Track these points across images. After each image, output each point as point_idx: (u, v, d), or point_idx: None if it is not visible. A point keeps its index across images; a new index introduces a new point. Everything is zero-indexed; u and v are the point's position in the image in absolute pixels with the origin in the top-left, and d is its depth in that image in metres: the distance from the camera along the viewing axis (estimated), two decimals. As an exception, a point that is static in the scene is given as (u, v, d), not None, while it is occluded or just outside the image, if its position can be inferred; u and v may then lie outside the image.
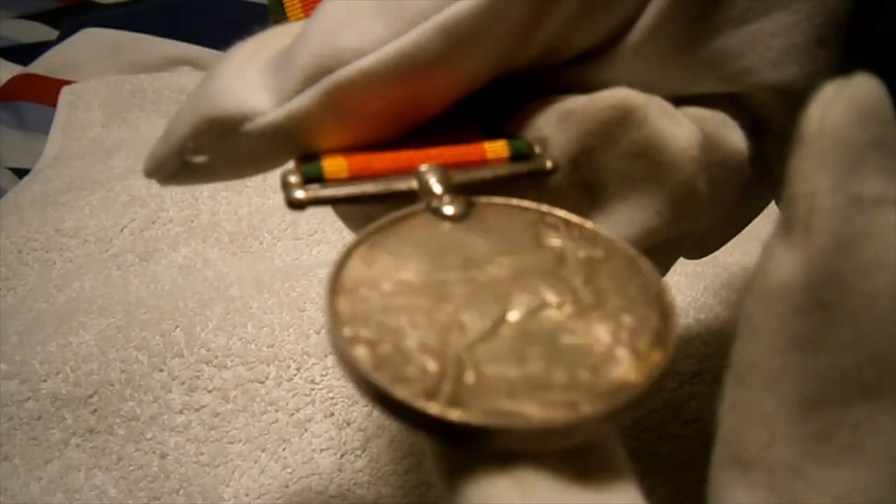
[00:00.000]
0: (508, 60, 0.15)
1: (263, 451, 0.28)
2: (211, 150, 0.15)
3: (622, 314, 0.12)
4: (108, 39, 0.56)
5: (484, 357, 0.11)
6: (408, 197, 0.14)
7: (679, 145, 0.14)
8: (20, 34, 0.62)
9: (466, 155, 0.15)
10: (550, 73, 0.16)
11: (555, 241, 0.13)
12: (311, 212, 0.41)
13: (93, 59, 0.55)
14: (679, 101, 0.16)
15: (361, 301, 0.12)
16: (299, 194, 0.14)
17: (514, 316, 0.12)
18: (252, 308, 0.31)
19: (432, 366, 0.11)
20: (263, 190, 0.40)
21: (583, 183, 0.15)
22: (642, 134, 0.14)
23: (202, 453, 0.28)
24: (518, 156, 0.15)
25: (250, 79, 0.14)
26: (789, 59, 0.15)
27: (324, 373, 0.29)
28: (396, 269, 0.12)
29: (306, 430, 0.28)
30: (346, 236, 0.40)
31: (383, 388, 0.11)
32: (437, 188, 0.14)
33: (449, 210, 0.13)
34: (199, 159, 0.15)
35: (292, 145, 0.14)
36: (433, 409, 0.10)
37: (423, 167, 0.14)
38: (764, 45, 0.15)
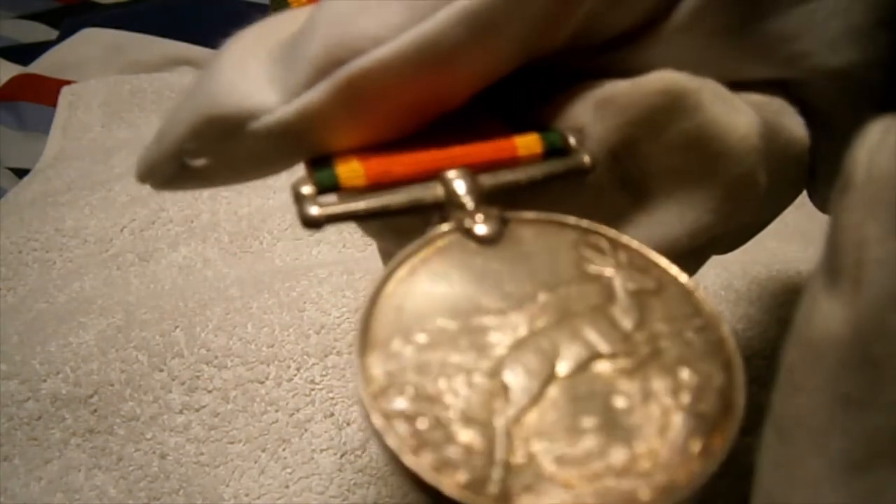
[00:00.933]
0: (538, 46, 0.13)
1: (263, 451, 0.28)
2: (211, 153, 0.13)
3: (681, 367, 0.11)
4: (108, 39, 0.56)
5: (533, 430, 0.10)
6: (436, 207, 0.13)
7: (738, 134, 0.13)
8: (20, 34, 0.62)
9: (495, 152, 0.13)
10: (583, 58, 0.14)
11: (600, 268, 0.12)
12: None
13: (93, 59, 0.55)
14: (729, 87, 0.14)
15: (394, 359, 0.11)
16: (314, 211, 0.12)
17: (562, 370, 0.11)
18: (252, 308, 0.31)
19: (478, 444, 0.10)
20: (263, 190, 0.40)
21: (624, 179, 0.14)
22: (694, 123, 0.13)
23: (202, 453, 0.28)
24: (552, 150, 0.13)
25: (254, 73, 0.13)
26: (848, 41, 0.14)
27: (324, 373, 0.29)
28: (430, 312, 0.11)
29: (306, 430, 0.28)
30: (347, 236, 0.39)
31: (429, 482, 0.10)
32: (468, 200, 0.12)
33: (482, 230, 0.12)
34: (199, 163, 0.13)
35: (302, 146, 0.13)
36: None
37: (450, 173, 0.13)
38: (821, 26, 0.14)
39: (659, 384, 0.11)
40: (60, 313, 0.32)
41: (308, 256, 0.35)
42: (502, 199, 0.13)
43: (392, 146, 0.13)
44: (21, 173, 0.47)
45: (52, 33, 0.61)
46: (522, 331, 0.11)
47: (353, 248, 0.36)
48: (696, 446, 0.10)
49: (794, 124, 0.14)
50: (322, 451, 0.28)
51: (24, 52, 0.58)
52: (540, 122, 0.14)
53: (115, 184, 0.40)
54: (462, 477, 0.10)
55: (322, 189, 0.13)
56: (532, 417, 0.10)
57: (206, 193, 0.40)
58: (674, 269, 0.12)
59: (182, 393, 0.29)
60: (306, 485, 0.27)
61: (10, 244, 0.37)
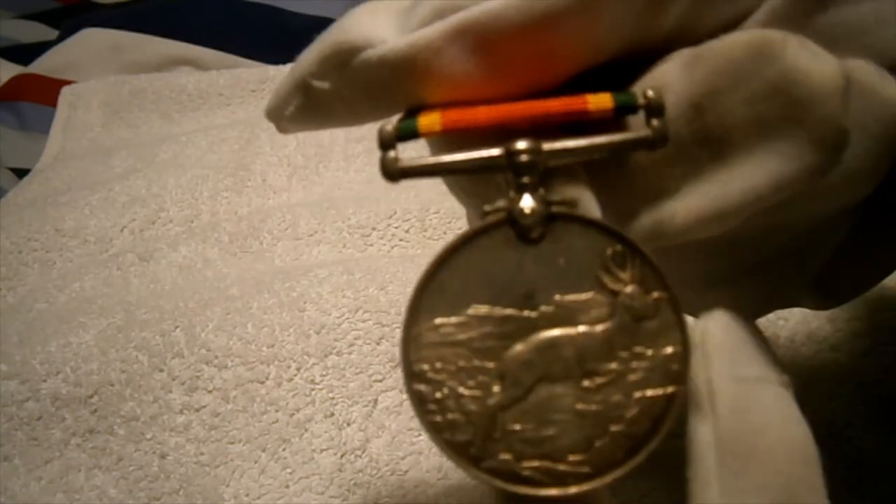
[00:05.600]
0: (640, 30, 0.14)
1: (263, 451, 0.28)
2: (333, 78, 0.15)
3: (636, 391, 0.14)
4: (108, 39, 0.56)
5: (514, 415, 0.13)
6: (500, 170, 0.14)
7: (821, 78, 0.13)
8: (20, 34, 0.63)
9: (566, 106, 0.14)
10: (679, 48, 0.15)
11: (615, 284, 0.14)
12: (311, 212, 0.40)
13: (93, 59, 0.55)
14: None
15: (434, 331, 0.14)
16: (391, 158, 0.14)
17: (553, 372, 0.14)
18: (252, 308, 0.31)
19: (473, 416, 0.14)
20: (263, 190, 0.40)
21: (704, 133, 0.14)
22: (777, 68, 0.13)
23: (202, 453, 0.28)
24: (623, 107, 0.14)
25: (381, 17, 0.14)
26: None
27: (324, 373, 0.29)
28: (467, 298, 0.14)
29: (306, 430, 0.28)
30: (346, 236, 0.39)
31: (431, 440, 0.14)
32: (525, 177, 0.14)
33: (528, 221, 0.14)
34: (322, 85, 0.15)
35: (405, 86, 0.14)
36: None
37: (519, 145, 0.14)
38: (890, 20, 0.14)
39: (615, 399, 0.14)
40: (60, 313, 0.32)
41: (308, 256, 0.35)
42: (564, 173, 0.14)
43: (474, 104, 0.14)
44: (21, 173, 0.47)
45: (52, 33, 0.61)
46: (533, 329, 0.14)
47: (353, 248, 0.36)
48: (618, 455, 0.13)
49: (888, 84, 0.14)
50: (322, 451, 0.28)
51: (24, 52, 0.58)
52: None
53: (115, 184, 0.40)
54: (456, 437, 0.13)
55: (402, 133, 0.14)
56: (518, 405, 0.13)
57: (206, 194, 0.40)
58: (671, 296, 0.14)
59: (182, 393, 0.29)
60: (306, 485, 0.27)
61: (10, 244, 0.38)
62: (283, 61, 0.51)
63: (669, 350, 0.14)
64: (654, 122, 0.14)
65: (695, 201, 0.14)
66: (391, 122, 0.14)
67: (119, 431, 0.28)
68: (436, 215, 0.36)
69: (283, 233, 0.36)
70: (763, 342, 0.14)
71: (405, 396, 0.30)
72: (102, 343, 0.30)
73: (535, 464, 0.13)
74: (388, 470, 0.27)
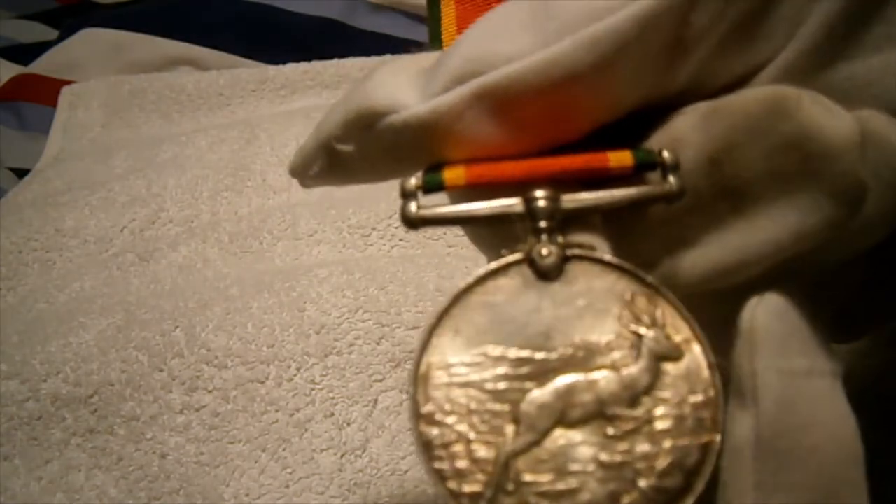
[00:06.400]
0: (656, 87, 0.14)
1: (263, 451, 0.28)
2: (357, 140, 0.15)
3: (665, 440, 0.13)
4: (108, 39, 0.56)
5: (528, 464, 0.13)
6: (518, 219, 0.14)
7: (836, 132, 0.13)
8: (20, 34, 0.62)
9: (587, 162, 0.14)
10: (694, 101, 0.15)
11: (638, 327, 0.13)
12: (311, 212, 0.40)
13: (93, 59, 0.54)
14: None
15: (447, 371, 0.13)
16: (412, 208, 0.14)
17: (570, 417, 0.13)
18: (252, 308, 0.31)
19: (484, 463, 0.13)
20: (263, 190, 0.40)
21: (722, 186, 0.14)
22: (794, 124, 0.13)
23: (202, 453, 0.28)
24: (643, 164, 0.14)
25: (403, 80, 0.15)
26: None
27: (324, 373, 0.29)
28: (481, 338, 0.13)
29: (306, 430, 0.28)
30: (346, 236, 0.39)
31: (436, 488, 0.13)
32: (542, 221, 0.14)
33: (546, 262, 0.13)
34: (346, 148, 0.15)
35: (430, 145, 0.14)
36: None
37: (537, 192, 0.14)
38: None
39: (641, 449, 0.13)
40: (60, 313, 0.32)
41: (308, 256, 0.35)
42: (580, 224, 0.14)
43: (497, 160, 0.14)
44: (21, 173, 0.47)
45: (52, 33, 0.61)
46: (550, 371, 0.13)
47: (353, 248, 0.36)
48: None
49: None
50: (322, 451, 0.28)
51: (24, 52, 0.58)
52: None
53: (115, 184, 0.40)
54: (464, 487, 0.12)
55: (427, 186, 0.14)
56: (532, 452, 0.13)
57: (206, 194, 0.40)
58: (700, 334, 0.13)
59: (182, 393, 0.29)
60: (306, 485, 0.27)
61: (10, 244, 0.37)
62: (283, 61, 0.51)
63: (700, 397, 0.13)
64: (672, 178, 0.14)
65: (715, 252, 0.14)
66: (414, 176, 0.14)
67: (119, 431, 0.28)
68: (436, 215, 0.36)
69: (283, 233, 0.36)
70: (815, 328, 0.14)
71: (405, 396, 0.30)
72: (102, 343, 0.30)
73: None
74: (388, 470, 0.27)
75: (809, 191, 0.14)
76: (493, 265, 0.14)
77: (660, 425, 0.13)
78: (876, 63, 0.15)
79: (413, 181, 0.14)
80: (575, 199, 0.14)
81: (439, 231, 0.36)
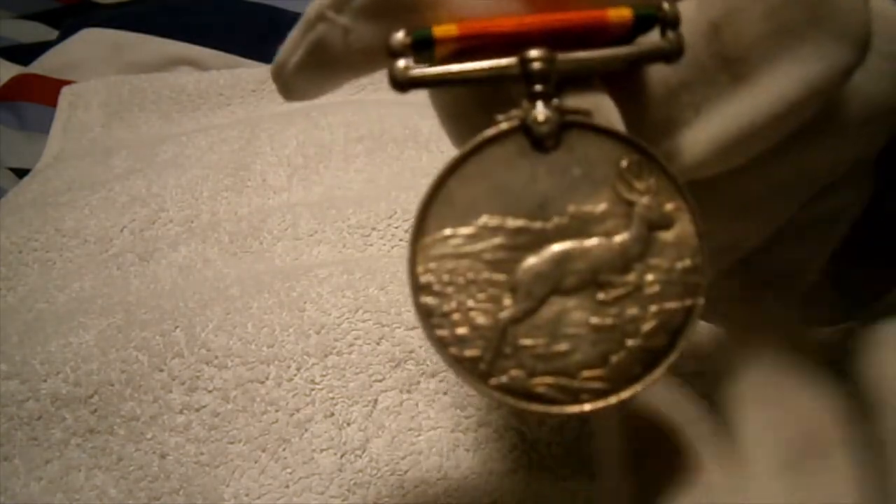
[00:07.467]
0: None
1: (263, 451, 0.28)
2: (346, 9, 0.14)
3: (652, 304, 0.13)
4: (108, 39, 0.56)
5: (525, 329, 0.13)
6: (513, 80, 0.14)
7: None
8: (20, 34, 0.62)
9: (585, 18, 0.14)
10: None
11: (630, 194, 0.13)
12: (311, 212, 0.40)
13: (93, 59, 0.55)
14: None
15: (442, 244, 0.13)
16: (401, 64, 0.13)
17: (565, 285, 0.13)
18: (252, 308, 0.31)
19: (484, 329, 0.13)
20: (263, 190, 0.40)
21: (723, 56, 0.14)
22: None
23: (202, 453, 0.28)
24: (643, 19, 0.14)
25: None
26: None
27: (324, 373, 0.29)
28: (476, 208, 0.13)
29: (306, 430, 0.28)
30: (346, 236, 0.39)
31: (438, 353, 0.13)
32: (538, 84, 0.13)
33: (542, 129, 0.13)
34: (336, 17, 0.14)
35: (422, 6, 0.14)
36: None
37: (532, 52, 0.13)
38: None
39: (630, 312, 0.13)
40: (60, 313, 0.32)
41: (308, 256, 0.35)
42: (579, 83, 0.14)
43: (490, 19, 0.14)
44: (21, 173, 0.47)
45: (52, 33, 0.61)
46: (546, 240, 0.13)
47: (353, 248, 0.36)
48: (636, 370, 0.13)
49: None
50: (322, 451, 0.28)
51: (24, 52, 0.58)
52: None
53: (115, 184, 0.40)
54: (464, 352, 0.13)
55: (416, 40, 0.14)
56: (529, 319, 0.13)
57: (206, 194, 0.40)
58: (690, 206, 0.13)
59: (182, 393, 0.29)
60: (306, 485, 0.27)
61: (10, 244, 0.37)
62: (283, 61, 0.51)
63: (687, 262, 0.13)
64: (670, 34, 0.14)
65: (716, 124, 0.14)
66: (402, 32, 0.14)
67: (119, 431, 0.28)
68: (436, 215, 0.36)
69: (283, 233, 0.36)
70: None
71: (405, 396, 0.30)
72: (102, 343, 0.30)
73: (549, 380, 0.13)
74: (388, 470, 0.27)
75: (815, 39, 0.13)
76: (488, 133, 0.13)
77: (649, 290, 0.13)
78: None
79: (401, 35, 0.14)
80: (572, 59, 0.14)
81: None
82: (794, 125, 0.14)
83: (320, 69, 0.15)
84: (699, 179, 0.15)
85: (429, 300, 0.13)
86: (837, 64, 0.13)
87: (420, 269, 0.13)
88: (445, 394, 0.29)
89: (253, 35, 0.54)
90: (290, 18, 0.55)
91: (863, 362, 0.16)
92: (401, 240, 0.36)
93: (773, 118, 0.14)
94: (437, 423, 0.28)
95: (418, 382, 0.29)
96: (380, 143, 0.42)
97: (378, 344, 0.29)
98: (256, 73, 0.51)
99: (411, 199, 0.37)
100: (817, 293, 0.18)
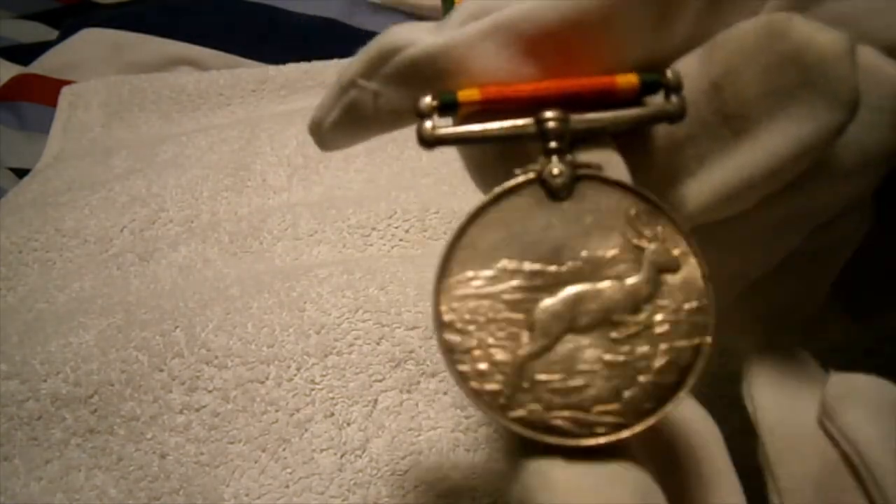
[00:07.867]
0: (656, 41, 0.15)
1: (263, 451, 0.28)
2: (378, 76, 0.16)
3: (662, 343, 0.14)
4: (108, 39, 0.56)
5: (542, 365, 0.14)
6: (530, 139, 0.15)
7: (829, 42, 0.14)
8: (20, 34, 0.62)
9: (596, 84, 0.15)
10: None
11: (640, 241, 0.14)
12: (311, 212, 0.40)
13: (93, 59, 0.54)
14: None
15: (465, 285, 0.14)
16: (428, 127, 0.15)
17: (579, 324, 0.14)
18: (252, 308, 0.31)
19: (502, 366, 0.14)
20: (263, 190, 0.40)
21: (724, 113, 0.15)
22: (788, 41, 0.14)
23: (202, 453, 0.28)
24: (649, 84, 0.15)
25: (422, 27, 0.16)
26: None
27: (324, 373, 0.29)
28: (496, 253, 0.14)
29: (306, 430, 0.28)
30: (346, 236, 0.39)
31: (460, 387, 0.14)
32: (553, 142, 0.15)
33: (557, 182, 0.15)
34: (367, 84, 0.16)
35: (446, 74, 0.15)
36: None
37: (548, 114, 0.15)
38: (878, 9, 0.15)
39: (642, 350, 0.14)
40: (60, 313, 0.32)
41: (308, 256, 0.35)
42: (590, 142, 0.15)
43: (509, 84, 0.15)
44: (21, 173, 0.47)
45: (52, 33, 0.61)
46: (561, 283, 0.14)
47: (353, 248, 0.36)
48: (648, 405, 0.14)
49: (888, 65, 0.15)
50: (322, 451, 0.28)
51: (24, 52, 0.58)
52: None
53: (115, 184, 0.40)
54: (484, 386, 0.14)
55: (442, 103, 0.15)
56: (546, 356, 0.14)
57: (206, 194, 0.40)
58: (695, 251, 0.14)
59: (182, 393, 0.29)
60: (306, 485, 0.27)
61: (10, 244, 0.37)
62: (283, 61, 0.51)
63: (694, 303, 0.14)
64: (674, 98, 0.15)
65: (718, 175, 0.15)
66: (429, 95, 0.15)
67: (119, 431, 0.28)
68: (436, 215, 0.36)
69: (283, 233, 0.36)
70: None
71: (405, 396, 0.30)
72: (102, 343, 0.30)
73: (565, 413, 0.14)
74: (388, 470, 0.27)
75: (807, 101, 0.14)
76: (507, 184, 0.15)
77: (658, 329, 0.14)
78: (860, 2, 0.15)
79: (428, 99, 0.15)
80: (584, 119, 0.15)
81: (440, 231, 0.36)
82: (790, 177, 0.15)
83: (353, 126, 0.17)
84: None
85: (451, 337, 0.14)
86: (828, 124, 0.14)
87: (443, 308, 0.14)
88: (445, 394, 0.29)
89: (253, 35, 0.54)
90: (290, 18, 0.55)
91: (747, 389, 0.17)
92: (401, 240, 0.36)
93: (769, 172, 0.15)
94: (437, 423, 0.28)
95: (418, 382, 0.29)
96: (380, 142, 0.42)
97: (378, 344, 0.29)
98: (256, 73, 0.51)
99: (411, 199, 0.37)
100: (818, 323, 0.19)
